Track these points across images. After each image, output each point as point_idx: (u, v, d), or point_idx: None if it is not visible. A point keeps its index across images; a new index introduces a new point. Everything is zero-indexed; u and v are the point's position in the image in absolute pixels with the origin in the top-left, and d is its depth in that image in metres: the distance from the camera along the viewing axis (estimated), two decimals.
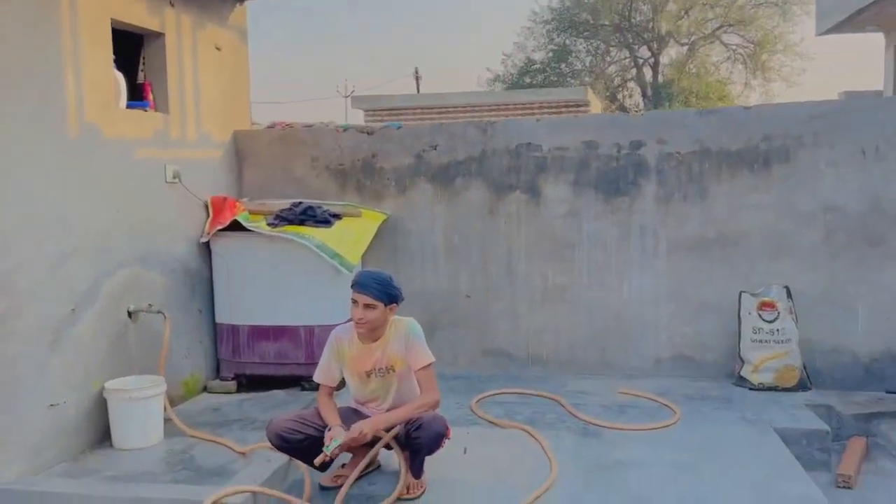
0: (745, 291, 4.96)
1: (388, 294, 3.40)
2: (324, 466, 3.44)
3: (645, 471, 3.69)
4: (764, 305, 4.87)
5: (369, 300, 3.36)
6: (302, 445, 3.39)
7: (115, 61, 4.37)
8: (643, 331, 5.26)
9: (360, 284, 3.40)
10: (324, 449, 3.28)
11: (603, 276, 5.29)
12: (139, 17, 4.50)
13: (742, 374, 4.93)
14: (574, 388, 4.98)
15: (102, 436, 4.11)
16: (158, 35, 4.72)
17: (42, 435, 3.75)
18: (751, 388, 4.86)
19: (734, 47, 28.48)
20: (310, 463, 3.46)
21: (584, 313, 5.33)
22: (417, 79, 30.51)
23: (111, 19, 4.25)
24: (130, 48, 4.72)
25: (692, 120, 5.14)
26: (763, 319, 4.86)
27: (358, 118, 16.11)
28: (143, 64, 4.81)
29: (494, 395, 4.87)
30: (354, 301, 3.40)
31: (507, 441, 4.10)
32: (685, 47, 28.91)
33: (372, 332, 3.46)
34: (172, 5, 4.77)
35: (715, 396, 4.77)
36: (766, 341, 4.85)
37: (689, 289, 5.17)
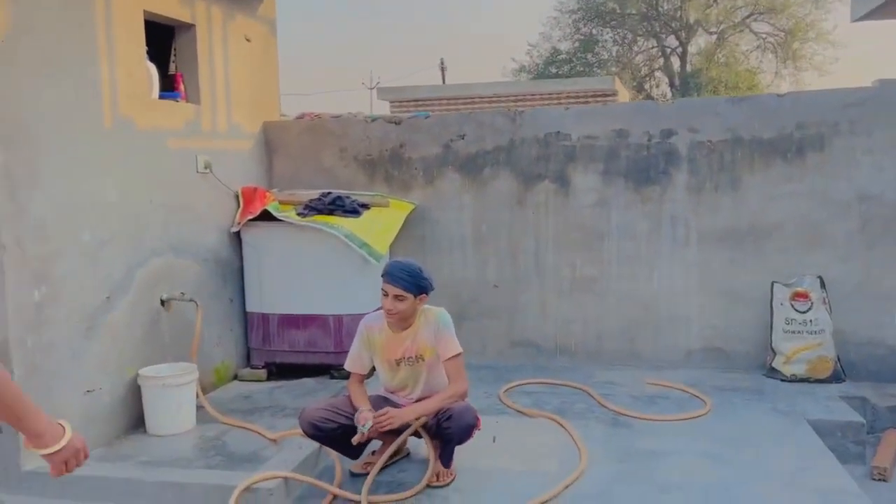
0: (777, 282, 4.89)
1: (417, 285, 3.40)
2: (357, 450, 3.47)
3: (675, 461, 3.67)
4: (797, 296, 4.81)
5: (399, 291, 3.37)
6: (335, 434, 3.42)
7: (148, 53, 4.42)
8: (673, 321, 5.22)
9: (390, 275, 3.40)
10: (360, 429, 3.30)
11: (632, 267, 5.25)
12: (171, 9, 4.54)
13: (774, 365, 4.87)
14: (602, 379, 4.96)
15: (136, 422, 4.18)
16: (189, 26, 4.76)
17: (78, 420, 3.81)
18: (783, 380, 4.80)
19: (764, 36, 27.98)
20: (341, 450, 3.50)
21: (613, 304, 5.30)
22: (443, 69, 30.41)
23: (144, 11, 4.30)
24: (162, 40, 4.77)
25: (724, 108, 5.07)
26: (796, 310, 4.80)
27: (384, 109, 16.13)
28: (175, 55, 4.85)
29: (522, 384, 4.87)
30: (385, 291, 3.42)
31: (536, 430, 4.10)
32: (714, 36, 28.46)
33: (402, 322, 3.48)
34: None
35: (746, 388, 4.72)
36: (798, 332, 4.78)
37: (720, 279, 5.12)
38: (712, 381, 4.84)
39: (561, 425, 4.09)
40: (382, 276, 3.45)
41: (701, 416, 4.22)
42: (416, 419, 3.42)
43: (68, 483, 3.46)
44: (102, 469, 3.58)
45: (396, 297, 3.38)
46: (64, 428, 1.93)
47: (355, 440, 3.34)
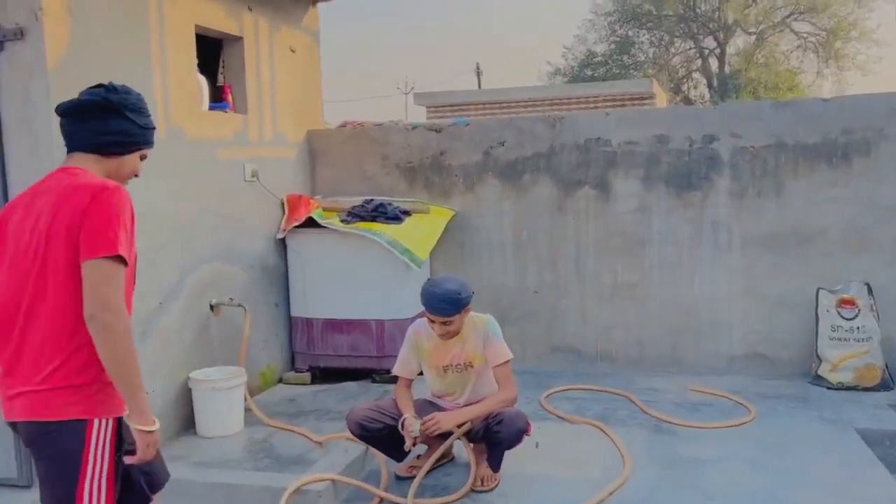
0: (822, 288, 4.84)
1: (462, 306, 3.42)
2: (402, 453, 3.56)
3: (720, 468, 3.66)
4: (843, 303, 4.75)
5: (444, 318, 3.42)
6: (380, 434, 3.50)
7: (197, 65, 4.55)
8: (715, 328, 5.19)
9: (431, 309, 3.42)
10: (412, 431, 3.36)
11: (674, 273, 5.23)
12: (220, 23, 4.67)
13: (819, 372, 4.82)
14: (644, 386, 4.96)
15: (187, 423, 4.30)
16: (237, 39, 4.89)
17: None
18: (828, 388, 4.75)
19: (805, 35, 27.51)
20: (386, 451, 3.57)
21: (655, 310, 5.29)
22: (479, 74, 30.47)
23: (195, 25, 4.42)
24: (211, 52, 4.91)
25: (767, 113, 5.03)
26: (842, 317, 4.74)
27: (420, 115, 16.24)
28: (223, 67, 4.99)
29: (563, 390, 4.89)
30: (431, 319, 3.46)
31: (579, 436, 4.12)
32: (753, 36, 28.07)
33: (453, 335, 3.54)
34: (251, 10, 4.93)
35: (791, 395, 4.68)
36: (845, 339, 4.73)
37: (763, 285, 5.08)
38: (756, 388, 4.81)
39: (604, 432, 4.11)
40: (425, 307, 3.46)
41: (746, 424, 4.20)
42: (459, 427, 3.47)
43: None
44: None
45: (443, 323, 3.44)
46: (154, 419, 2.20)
47: (407, 446, 3.40)
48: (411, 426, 3.37)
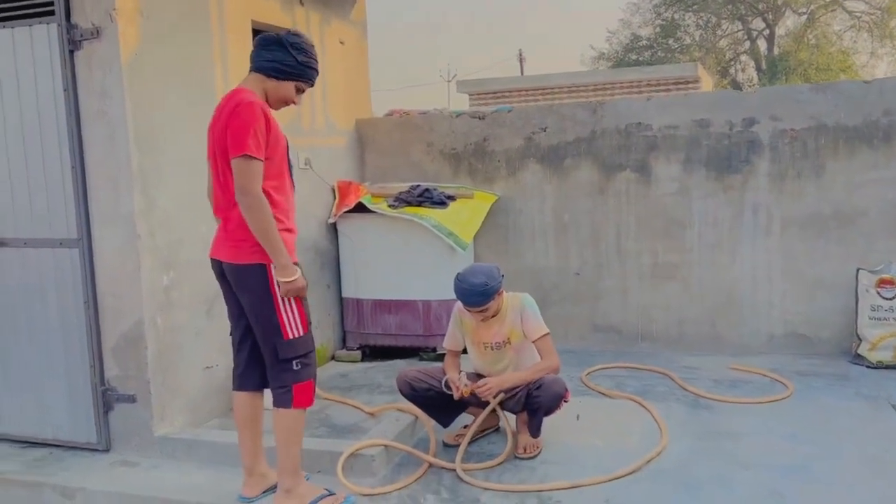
0: (862, 268, 4.89)
1: (492, 294, 3.58)
2: (448, 417, 3.82)
3: (756, 440, 3.78)
4: (883, 283, 4.80)
5: (480, 308, 3.61)
6: (428, 395, 3.74)
7: None
8: (755, 308, 5.28)
9: (467, 303, 3.60)
10: (458, 383, 3.60)
11: (714, 254, 5.33)
12: (274, 17, 4.92)
13: (859, 351, 4.88)
14: (684, 364, 5.08)
15: None
16: None
17: (198, 393, 4.26)
18: (868, 366, 4.81)
19: (859, 14, 26.76)
20: (433, 414, 3.82)
21: (695, 290, 5.40)
22: (521, 60, 30.45)
23: (251, 20, 4.68)
24: None
25: (807, 96, 5.08)
26: (882, 297, 4.79)
27: (463, 102, 16.38)
28: None
29: (604, 368, 5.04)
30: (468, 310, 3.66)
31: (618, 410, 4.28)
32: (803, 17, 27.41)
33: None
34: (302, 4, 5.17)
35: (830, 373, 4.76)
36: (884, 319, 4.78)
37: (803, 266, 5.14)
38: (795, 367, 4.89)
39: (642, 405, 4.26)
40: (460, 301, 3.64)
41: (783, 399, 4.31)
42: (495, 397, 3.66)
43: (192, 447, 3.89)
44: (220, 436, 3.96)
45: (480, 311, 3.64)
46: (299, 268, 3.08)
47: (456, 396, 3.60)
48: (459, 380, 3.60)
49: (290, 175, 3.20)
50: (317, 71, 3.14)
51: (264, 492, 3.40)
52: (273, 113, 3.12)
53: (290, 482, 3.22)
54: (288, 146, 3.15)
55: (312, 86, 3.19)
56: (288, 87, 3.10)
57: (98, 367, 3.95)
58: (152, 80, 3.88)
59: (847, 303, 5.00)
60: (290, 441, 3.18)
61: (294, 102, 3.16)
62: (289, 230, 3.13)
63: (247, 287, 3.09)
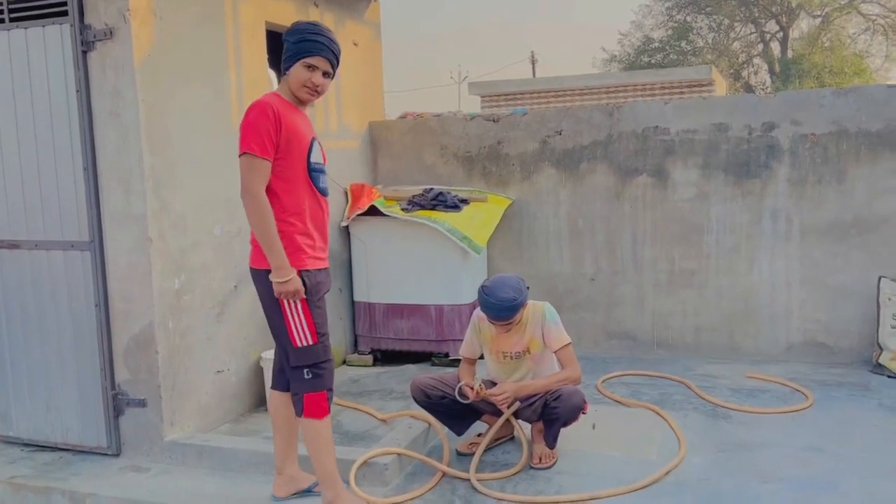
0: (885, 277, 4.80)
1: (517, 310, 3.52)
2: (462, 425, 3.75)
3: (776, 451, 3.70)
4: None
5: (509, 322, 3.55)
6: (442, 402, 3.67)
7: (267, 60, 4.76)
8: (774, 316, 5.19)
9: (495, 318, 3.53)
10: (475, 386, 3.53)
11: (732, 260, 5.25)
12: (289, 18, 4.86)
13: (880, 361, 4.79)
14: (701, 372, 5.00)
15: (259, 400, 4.55)
16: None
17: (209, 397, 4.21)
18: (889, 376, 4.72)
19: (874, 17, 26.56)
20: (446, 421, 3.75)
21: (712, 297, 5.32)
22: (533, 62, 30.37)
23: (265, 22, 4.64)
24: (279, 47, 5.11)
25: (829, 100, 4.99)
26: None
27: (474, 104, 16.32)
28: None
29: (620, 376, 4.97)
30: (494, 323, 3.60)
31: (635, 419, 4.20)
32: (817, 19, 27.22)
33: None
34: (317, 6, 5.13)
35: (851, 383, 4.67)
36: None
37: (823, 274, 5.06)
38: (814, 376, 4.81)
39: (659, 415, 4.19)
40: (487, 316, 3.56)
41: (803, 410, 4.22)
42: (510, 407, 3.60)
43: (203, 452, 3.85)
44: (231, 442, 3.93)
45: (506, 325, 3.58)
46: (296, 272, 2.97)
47: (472, 396, 3.52)
48: (473, 382, 3.54)
49: (312, 178, 3.08)
50: (320, 43, 2.99)
51: (293, 494, 3.36)
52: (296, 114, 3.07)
53: (329, 494, 3.14)
54: (312, 148, 3.07)
55: (322, 56, 3.00)
56: (297, 70, 3.03)
57: (109, 370, 3.91)
58: (166, 82, 3.85)
59: (868, 311, 4.91)
60: (316, 450, 3.12)
61: (314, 83, 3.02)
62: (304, 233, 3.06)
63: (258, 290, 3.12)
